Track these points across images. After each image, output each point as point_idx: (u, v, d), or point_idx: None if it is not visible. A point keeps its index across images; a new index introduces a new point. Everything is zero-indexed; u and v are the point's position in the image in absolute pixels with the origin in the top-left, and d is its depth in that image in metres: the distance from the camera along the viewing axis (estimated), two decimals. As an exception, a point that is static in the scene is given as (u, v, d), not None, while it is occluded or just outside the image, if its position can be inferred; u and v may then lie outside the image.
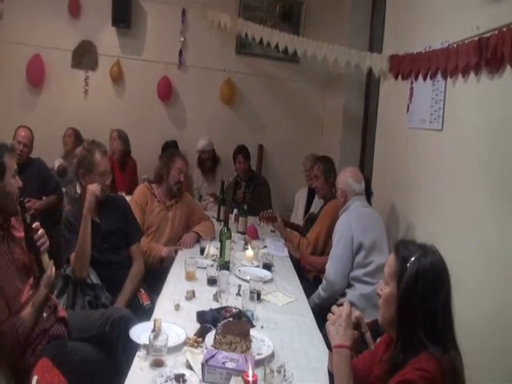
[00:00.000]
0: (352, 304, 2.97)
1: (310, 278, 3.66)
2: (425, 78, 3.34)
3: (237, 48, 6.05)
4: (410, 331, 1.55)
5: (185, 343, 2.10)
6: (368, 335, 1.71)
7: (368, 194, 3.68)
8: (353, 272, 3.13)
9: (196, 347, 2.08)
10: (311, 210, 4.62)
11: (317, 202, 4.55)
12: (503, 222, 2.37)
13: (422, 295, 1.54)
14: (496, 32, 2.43)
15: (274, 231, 4.18)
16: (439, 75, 3.13)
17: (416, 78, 3.50)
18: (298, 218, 4.84)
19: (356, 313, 1.72)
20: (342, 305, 1.76)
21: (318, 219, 3.92)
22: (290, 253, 3.75)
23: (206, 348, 2.04)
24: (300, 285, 3.07)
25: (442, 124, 3.09)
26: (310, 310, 2.68)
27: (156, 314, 2.37)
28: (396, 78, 3.87)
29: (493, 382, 2.30)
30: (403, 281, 1.57)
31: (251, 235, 3.92)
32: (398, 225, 3.70)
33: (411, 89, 3.61)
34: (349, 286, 3.14)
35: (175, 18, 5.88)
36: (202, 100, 6.02)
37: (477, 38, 2.61)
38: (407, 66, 3.63)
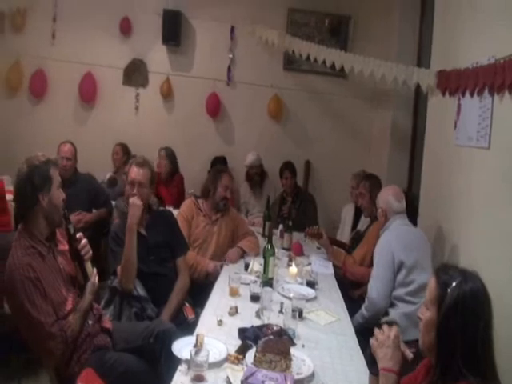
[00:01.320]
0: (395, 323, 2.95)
1: (353, 296, 3.62)
2: (472, 95, 3.28)
3: (284, 64, 6.10)
4: (450, 358, 1.52)
5: (226, 359, 2.11)
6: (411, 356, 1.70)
7: (413, 212, 3.61)
8: (395, 291, 3.08)
9: (237, 364, 2.10)
10: (358, 228, 4.58)
11: (363, 220, 4.51)
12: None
13: (462, 322, 1.52)
14: None
15: (319, 248, 4.15)
16: (486, 92, 3.07)
17: (463, 95, 3.44)
18: (344, 235, 4.80)
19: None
20: (385, 323, 1.75)
21: (365, 238, 3.89)
22: (335, 271, 3.72)
23: (246, 365, 2.06)
24: (344, 304, 3.04)
25: (488, 142, 3.02)
26: (353, 330, 2.65)
27: (199, 329, 2.40)
28: (443, 94, 3.81)
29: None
30: (443, 306, 1.55)
31: (296, 252, 3.92)
32: (443, 245, 3.62)
33: (459, 105, 3.55)
34: (391, 305, 3.09)
35: (224, 34, 6.01)
36: (250, 116, 6.10)
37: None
38: (454, 82, 3.58)
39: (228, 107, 6.13)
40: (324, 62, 4.56)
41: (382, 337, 1.71)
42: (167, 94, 6.03)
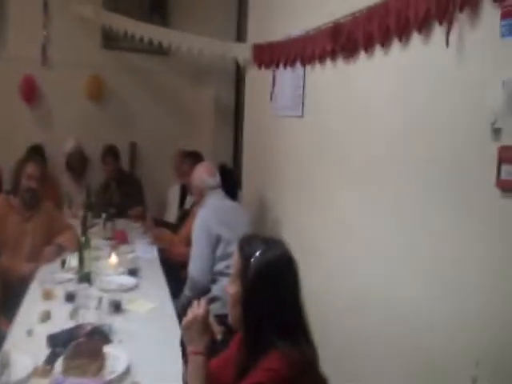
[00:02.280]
0: (216, 298, 2.96)
1: (182, 277, 3.57)
2: (285, 66, 3.37)
3: (102, 41, 5.73)
4: (257, 330, 1.51)
5: (32, 374, 1.93)
6: (219, 337, 1.66)
7: (233, 186, 3.64)
8: (215, 266, 3.10)
9: (45, 377, 1.93)
10: (184, 207, 4.54)
11: (190, 199, 4.47)
12: (359, 202, 2.43)
13: (267, 290, 1.51)
14: (349, 17, 2.46)
15: (145, 232, 4.04)
16: (298, 62, 3.16)
17: (277, 66, 3.51)
18: (171, 215, 4.74)
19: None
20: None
21: (190, 215, 3.86)
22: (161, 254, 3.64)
23: (53, 377, 1.90)
24: (167, 287, 2.98)
25: (302, 110, 3.12)
26: (174, 314, 2.60)
27: (7, 344, 2.17)
28: (259, 67, 3.88)
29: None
30: (246, 279, 1.53)
31: (120, 240, 3.77)
32: (267, 217, 3.72)
33: (274, 77, 3.63)
34: (213, 281, 3.10)
35: (37, 10, 5.43)
36: (68, 98, 5.65)
37: (332, 24, 2.63)
38: (269, 55, 3.65)
39: (44, 90, 5.62)
40: (142, 38, 4.40)
41: (189, 317, 1.65)
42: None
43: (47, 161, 5.03)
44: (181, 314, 2.61)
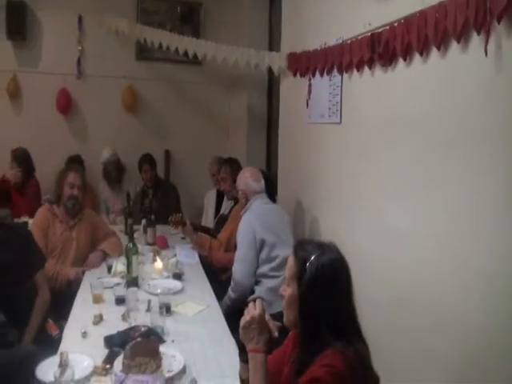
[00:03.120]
0: (260, 299, 3.04)
1: (223, 280, 3.67)
2: (322, 74, 3.44)
3: (136, 53, 5.91)
4: (314, 330, 1.59)
5: (93, 373, 2.04)
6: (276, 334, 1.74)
7: (272, 191, 3.72)
8: (259, 269, 3.18)
9: (105, 375, 2.04)
10: (221, 212, 4.64)
11: (226, 204, 4.58)
12: (399, 208, 2.48)
13: (322, 293, 1.59)
14: (387, 27, 2.53)
15: (184, 238, 4.15)
16: (335, 70, 3.23)
17: (313, 75, 3.58)
18: (208, 220, 4.84)
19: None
20: (251, 301, 1.77)
21: (229, 220, 3.96)
22: (201, 258, 3.75)
23: (115, 375, 2.00)
24: (211, 290, 3.09)
25: (340, 117, 3.19)
26: (222, 315, 2.70)
27: (63, 346, 2.28)
28: (294, 75, 3.96)
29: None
30: (303, 282, 1.61)
31: (160, 245, 3.89)
32: (303, 220, 3.79)
33: (309, 85, 3.70)
34: (256, 283, 3.19)
35: (71, 26, 5.64)
36: (104, 110, 5.84)
37: (369, 34, 2.71)
38: (304, 63, 3.72)
39: (80, 102, 5.80)
40: (177, 49, 4.51)
41: (247, 317, 1.73)
42: (14, 92, 5.56)
43: (85, 170, 5.18)
44: (226, 314, 2.72)
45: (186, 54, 4.47)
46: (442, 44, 2.11)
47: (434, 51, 2.17)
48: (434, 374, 2.15)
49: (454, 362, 2.02)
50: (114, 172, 5.46)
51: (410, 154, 2.38)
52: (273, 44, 5.34)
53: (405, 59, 2.40)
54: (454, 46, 2.04)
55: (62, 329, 2.72)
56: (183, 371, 2.05)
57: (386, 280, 2.55)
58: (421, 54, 2.26)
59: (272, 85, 5.56)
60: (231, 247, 3.73)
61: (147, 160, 5.18)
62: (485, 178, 1.85)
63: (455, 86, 2.05)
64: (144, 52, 5.85)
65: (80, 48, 5.72)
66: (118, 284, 2.95)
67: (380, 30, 2.60)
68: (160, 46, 4.64)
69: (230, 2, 5.90)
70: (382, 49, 2.58)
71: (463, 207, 1.98)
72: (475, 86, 1.92)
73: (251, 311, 1.73)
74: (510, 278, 1.72)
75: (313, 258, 1.62)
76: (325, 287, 1.59)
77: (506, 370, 1.74)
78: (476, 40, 1.89)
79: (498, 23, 1.73)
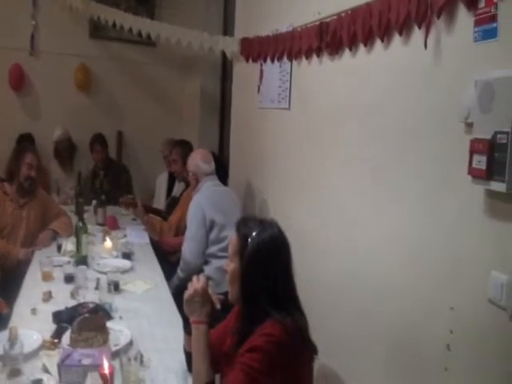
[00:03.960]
0: (209, 278, 3.13)
1: (172, 260, 3.73)
2: (272, 60, 3.49)
3: (91, 31, 5.80)
4: (254, 302, 1.68)
5: (41, 347, 2.08)
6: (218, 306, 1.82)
7: (224, 173, 3.79)
8: (208, 249, 3.26)
9: (53, 349, 2.08)
10: (173, 194, 4.68)
11: (178, 186, 4.61)
12: (345, 192, 2.60)
13: (263, 267, 1.68)
14: (335, 17, 2.61)
15: (135, 219, 4.17)
16: (285, 57, 3.30)
17: (265, 61, 3.64)
18: (160, 203, 4.87)
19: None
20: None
21: (180, 202, 4.00)
22: (151, 239, 3.79)
23: (62, 349, 2.05)
24: (160, 269, 3.15)
25: (289, 103, 3.27)
26: (170, 293, 2.77)
27: (12, 322, 2.30)
28: (247, 60, 3.99)
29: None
30: (245, 256, 1.70)
31: (111, 226, 3.90)
32: (254, 202, 3.88)
33: (261, 71, 3.77)
34: (205, 262, 3.27)
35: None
36: (57, 87, 5.68)
37: (318, 23, 2.79)
38: (256, 49, 3.77)
39: (32, 79, 5.64)
40: (131, 29, 4.48)
41: (190, 291, 1.81)
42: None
43: (37, 148, 5.11)
44: (174, 293, 2.79)
45: (139, 34, 4.45)
46: (386, 36, 2.21)
47: (378, 42, 2.27)
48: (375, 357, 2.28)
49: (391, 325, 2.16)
50: (66, 151, 5.40)
51: (354, 140, 2.49)
52: (227, 28, 5.35)
53: (350, 49, 2.50)
54: (397, 39, 2.14)
55: (11, 307, 2.74)
56: (130, 345, 2.12)
57: (327, 253, 2.68)
58: (365, 45, 2.36)
59: (226, 68, 5.58)
60: (182, 230, 3.77)
61: (98, 140, 5.15)
62: (424, 167, 1.97)
63: (397, 77, 2.16)
64: (98, 30, 5.74)
65: (34, 23, 5.57)
66: (67, 262, 2.97)
67: (328, 20, 2.69)
68: (114, 24, 4.59)
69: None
70: (330, 38, 2.67)
71: (404, 192, 2.10)
72: (416, 77, 2.03)
73: (194, 285, 1.81)
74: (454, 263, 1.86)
75: (254, 233, 1.71)
76: (265, 261, 1.69)
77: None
78: (417, 33, 2.00)
79: (438, 18, 1.84)
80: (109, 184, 4.92)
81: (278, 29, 3.39)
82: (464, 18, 1.74)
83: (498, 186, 1.51)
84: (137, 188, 5.22)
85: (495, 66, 1.58)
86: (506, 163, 1.47)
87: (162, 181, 5.04)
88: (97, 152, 5.10)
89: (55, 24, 5.56)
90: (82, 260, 3.01)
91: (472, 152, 1.61)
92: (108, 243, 3.32)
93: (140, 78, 6.05)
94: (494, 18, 1.60)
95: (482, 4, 1.65)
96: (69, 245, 3.27)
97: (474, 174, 1.61)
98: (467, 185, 1.64)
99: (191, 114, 5.95)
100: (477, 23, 1.67)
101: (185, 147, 4.26)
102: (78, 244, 3.04)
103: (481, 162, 1.56)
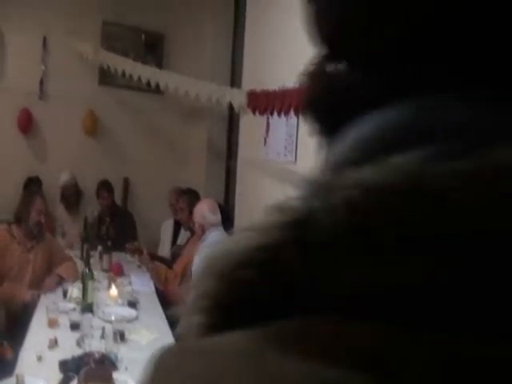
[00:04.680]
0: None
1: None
2: (279, 115, 3.57)
3: (100, 78, 5.93)
4: None
5: (47, 396, 2.09)
6: None
7: (228, 224, 3.84)
8: None
9: (59, 399, 2.09)
10: (178, 243, 4.71)
11: (183, 234, 4.65)
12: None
13: None
14: None
15: (140, 266, 4.19)
16: (292, 112, 3.39)
17: (272, 114, 3.73)
18: (165, 250, 4.89)
19: None
20: None
21: (185, 251, 4.03)
22: (156, 287, 3.80)
23: (69, 399, 2.06)
24: (165, 318, 3.15)
25: (295, 157, 3.35)
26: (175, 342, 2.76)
27: (19, 368, 2.31)
28: (254, 112, 4.09)
29: None
30: None
31: (116, 272, 3.92)
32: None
33: (268, 124, 3.86)
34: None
35: (36, 45, 5.62)
36: (64, 132, 5.79)
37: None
38: (263, 102, 3.84)
39: (41, 123, 5.76)
40: (139, 78, 4.59)
41: None
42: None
43: (43, 192, 5.17)
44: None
45: (148, 83, 4.55)
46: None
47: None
48: None
49: None
50: (72, 196, 5.45)
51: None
52: (235, 78, 5.50)
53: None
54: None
55: (16, 352, 2.75)
56: (136, 397, 2.12)
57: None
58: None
59: (232, 117, 5.69)
60: (187, 279, 3.80)
61: (105, 186, 5.22)
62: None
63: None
64: (107, 77, 5.83)
65: (43, 68, 5.73)
66: (73, 309, 2.99)
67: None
68: (123, 73, 4.71)
69: (193, 33, 5.98)
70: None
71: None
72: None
73: None
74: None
75: None
76: None
77: None
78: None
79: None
80: (114, 230, 4.95)
81: (285, 84, 3.49)
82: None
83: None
84: (142, 235, 5.24)
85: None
86: None
87: (166, 228, 5.07)
88: (103, 198, 5.17)
89: (65, 69, 5.68)
90: (87, 307, 3.02)
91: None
92: (114, 291, 3.33)
93: (147, 126, 6.14)
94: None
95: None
96: (75, 291, 3.30)
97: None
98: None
99: (197, 163, 6.03)
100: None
101: (192, 196, 4.33)
102: (84, 291, 3.07)
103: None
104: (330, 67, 0.39)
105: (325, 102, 0.41)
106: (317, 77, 0.42)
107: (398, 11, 0.29)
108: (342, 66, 0.37)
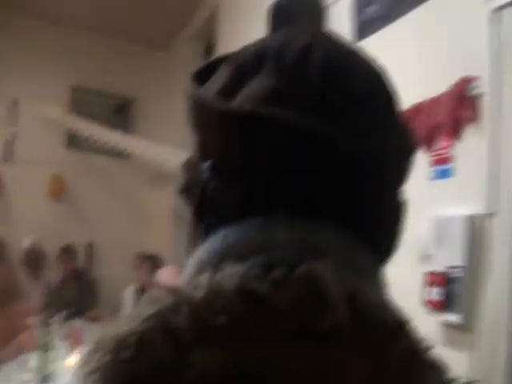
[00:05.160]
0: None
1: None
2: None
3: (68, 142, 5.99)
4: None
5: None
6: None
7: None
8: None
9: None
10: (141, 309, 4.63)
11: (146, 300, 4.58)
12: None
13: None
14: None
15: (100, 334, 4.09)
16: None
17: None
18: (127, 316, 4.80)
19: None
20: None
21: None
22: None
23: None
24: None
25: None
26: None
27: None
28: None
29: None
30: None
31: (75, 341, 3.82)
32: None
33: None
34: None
35: (4, 108, 5.70)
36: (30, 195, 5.79)
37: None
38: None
39: (7, 185, 5.75)
40: (107, 143, 4.64)
41: None
42: None
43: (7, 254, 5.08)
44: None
45: (115, 147, 4.60)
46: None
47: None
48: None
49: None
50: (35, 261, 5.35)
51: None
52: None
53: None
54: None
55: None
56: None
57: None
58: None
59: (197, 182, 5.71)
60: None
61: (68, 251, 5.18)
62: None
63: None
64: (75, 141, 5.90)
65: (11, 131, 5.74)
66: (29, 382, 2.89)
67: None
68: (91, 138, 4.76)
69: (164, 98, 6.10)
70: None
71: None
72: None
73: None
74: None
75: None
76: None
77: None
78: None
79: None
80: (76, 296, 4.85)
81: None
82: (419, 157, 1.94)
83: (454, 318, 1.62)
84: (105, 301, 5.16)
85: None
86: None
87: (128, 294, 5.00)
88: (65, 263, 5.10)
89: (32, 133, 5.75)
90: (45, 378, 2.93)
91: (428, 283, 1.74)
92: (71, 360, 3.24)
93: (114, 190, 6.16)
94: (448, 160, 1.79)
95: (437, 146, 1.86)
96: (32, 361, 3.19)
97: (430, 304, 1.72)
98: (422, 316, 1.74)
99: (163, 228, 6.02)
100: (431, 163, 1.87)
101: (155, 262, 4.31)
102: (43, 360, 2.98)
103: (437, 293, 1.68)
104: (202, 165, 0.51)
105: (195, 197, 0.53)
106: (192, 169, 0.55)
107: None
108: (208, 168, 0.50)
